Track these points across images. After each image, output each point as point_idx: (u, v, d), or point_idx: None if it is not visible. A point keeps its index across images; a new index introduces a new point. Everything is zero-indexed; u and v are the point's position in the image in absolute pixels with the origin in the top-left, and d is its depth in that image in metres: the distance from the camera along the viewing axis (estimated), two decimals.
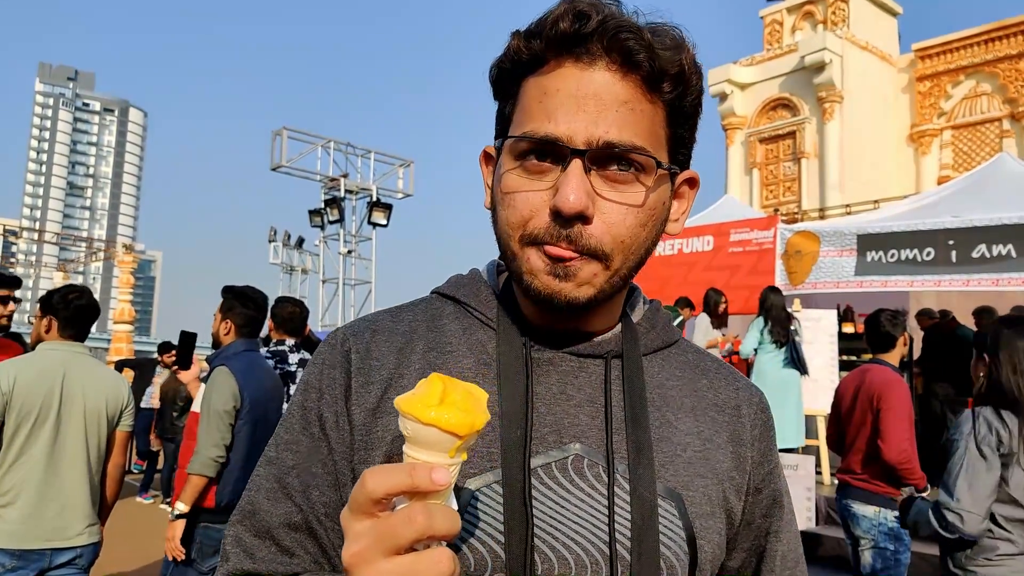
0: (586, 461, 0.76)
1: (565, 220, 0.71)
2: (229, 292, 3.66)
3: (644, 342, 0.86)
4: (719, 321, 7.76)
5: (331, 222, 15.77)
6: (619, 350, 0.83)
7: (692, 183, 0.84)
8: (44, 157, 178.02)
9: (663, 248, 9.59)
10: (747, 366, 7.08)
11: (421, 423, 0.56)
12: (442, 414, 0.56)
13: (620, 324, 0.85)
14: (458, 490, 0.73)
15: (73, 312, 3.09)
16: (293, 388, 2.62)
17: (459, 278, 0.91)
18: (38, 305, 3.18)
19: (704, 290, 8.05)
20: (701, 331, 7.66)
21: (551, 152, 0.73)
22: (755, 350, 6.64)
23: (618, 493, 0.75)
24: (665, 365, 0.87)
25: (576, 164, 0.71)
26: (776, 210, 15.20)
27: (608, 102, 0.72)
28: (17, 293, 4.07)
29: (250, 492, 0.81)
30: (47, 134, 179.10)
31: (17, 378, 2.89)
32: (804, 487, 5.74)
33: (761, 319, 6.65)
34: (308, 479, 0.78)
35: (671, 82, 0.74)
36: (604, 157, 0.72)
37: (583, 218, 0.71)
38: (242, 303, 3.61)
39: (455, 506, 0.59)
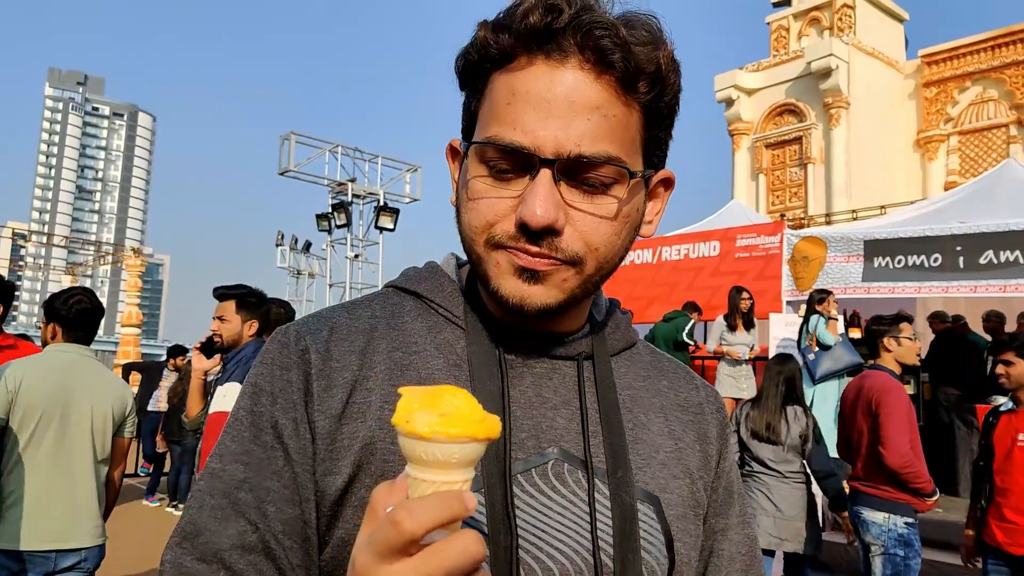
0: (566, 466, 0.73)
1: (533, 234, 0.67)
2: (246, 291, 3.61)
3: (610, 343, 0.84)
4: (745, 318, 7.59)
5: (338, 226, 15.83)
6: (589, 351, 0.80)
7: (667, 183, 0.80)
8: (53, 161, 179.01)
9: (670, 253, 9.58)
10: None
11: (470, 439, 0.49)
12: (482, 421, 0.50)
13: (588, 325, 0.82)
14: None
15: (76, 316, 3.07)
16: None
17: (417, 271, 0.85)
18: (42, 310, 3.17)
19: (711, 295, 8.01)
20: (715, 333, 7.62)
21: (518, 160, 0.68)
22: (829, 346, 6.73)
23: (598, 499, 0.73)
24: (630, 366, 0.85)
25: (545, 174, 0.67)
26: (782, 215, 15.17)
27: (580, 107, 0.67)
28: (25, 296, 4.02)
29: (191, 511, 0.72)
30: (56, 138, 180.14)
31: (24, 378, 2.90)
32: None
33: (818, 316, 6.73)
34: (262, 494, 0.70)
35: (647, 82, 0.69)
36: (574, 168, 0.68)
37: (553, 231, 0.68)
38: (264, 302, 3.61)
39: None
